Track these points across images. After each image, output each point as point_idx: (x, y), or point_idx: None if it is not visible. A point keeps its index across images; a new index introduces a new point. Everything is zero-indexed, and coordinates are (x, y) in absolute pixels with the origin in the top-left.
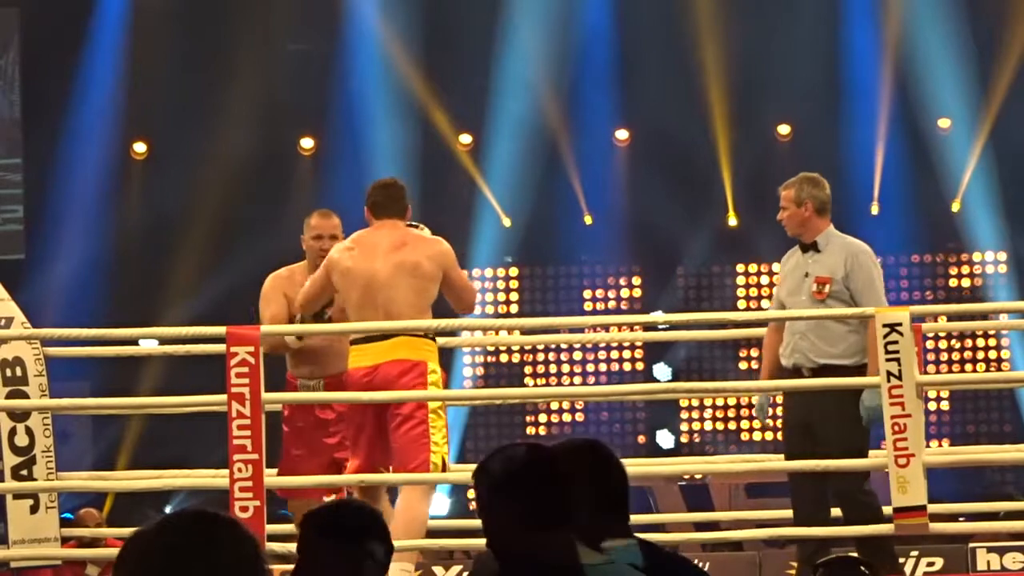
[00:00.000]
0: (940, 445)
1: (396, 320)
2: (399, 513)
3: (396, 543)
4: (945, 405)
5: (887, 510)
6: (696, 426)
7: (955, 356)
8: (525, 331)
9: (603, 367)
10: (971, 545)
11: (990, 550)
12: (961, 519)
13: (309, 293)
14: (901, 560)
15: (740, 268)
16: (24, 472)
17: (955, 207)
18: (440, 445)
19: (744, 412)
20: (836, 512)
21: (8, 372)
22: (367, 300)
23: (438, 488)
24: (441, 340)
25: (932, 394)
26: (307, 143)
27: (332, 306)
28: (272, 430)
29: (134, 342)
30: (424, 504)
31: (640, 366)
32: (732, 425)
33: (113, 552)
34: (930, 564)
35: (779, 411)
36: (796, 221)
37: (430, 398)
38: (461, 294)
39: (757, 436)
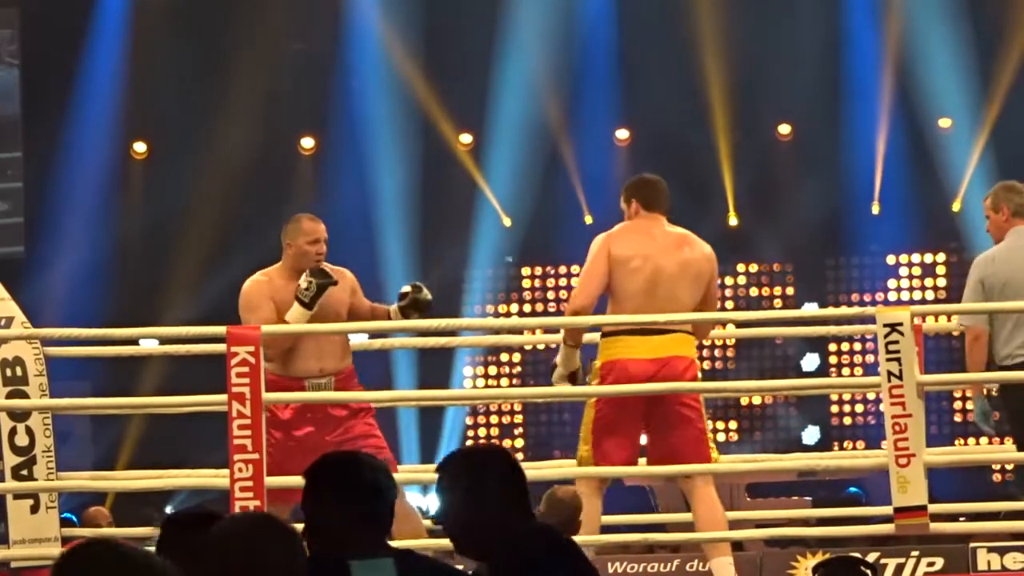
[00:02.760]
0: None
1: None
2: (706, 512)
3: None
4: (946, 404)
5: (887, 510)
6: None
7: (955, 356)
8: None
9: None
10: (971, 545)
11: (990, 550)
12: (962, 519)
13: (587, 288)
14: (901, 560)
15: (741, 268)
16: (24, 472)
17: (956, 207)
18: (712, 441)
19: (744, 412)
20: None
21: (8, 372)
22: (651, 291)
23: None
24: (442, 340)
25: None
26: (307, 143)
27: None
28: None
29: (135, 342)
30: (715, 494)
31: None
32: (733, 424)
33: None
34: (930, 564)
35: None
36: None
37: (434, 397)
38: (710, 305)
39: (757, 436)
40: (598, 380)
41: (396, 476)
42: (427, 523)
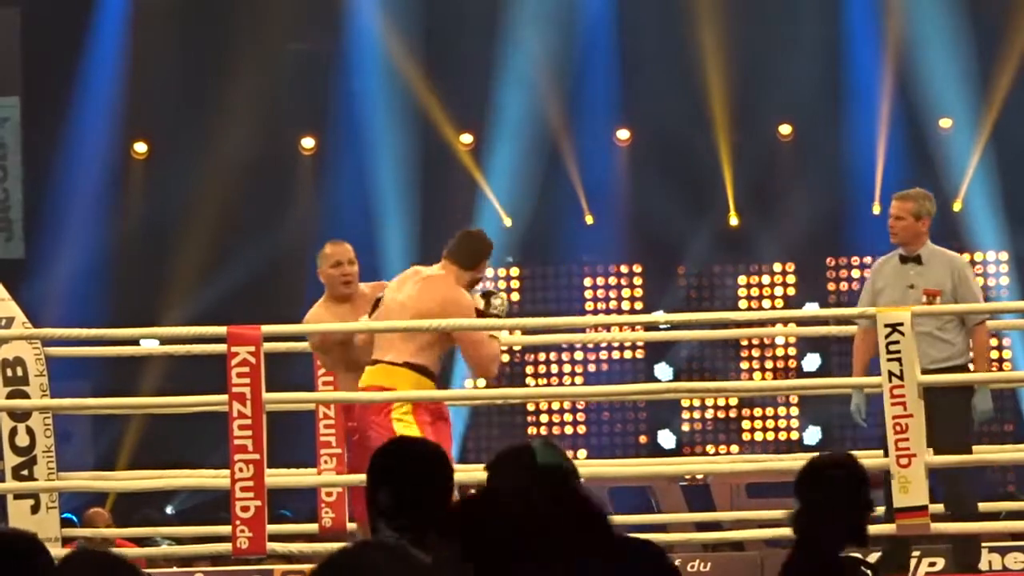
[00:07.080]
0: None
1: (385, 351)
2: None
3: None
4: None
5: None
6: (697, 426)
7: None
8: (526, 331)
9: (604, 367)
10: None
11: (992, 550)
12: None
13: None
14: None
15: (741, 268)
16: (25, 472)
17: (956, 207)
18: None
19: (745, 412)
20: None
21: (9, 372)
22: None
23: None
24: None
25: None
26: (307, 143)
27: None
28: (273, 430)
29: (135, 342)
30: None
31: (641, 365)
32: (733, 425)
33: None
34: (931, 564)
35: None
36: (911, 233)
37: (432, 397)
38: (461, 344)
39: (759, 436)
40: None
41: None
42: None
